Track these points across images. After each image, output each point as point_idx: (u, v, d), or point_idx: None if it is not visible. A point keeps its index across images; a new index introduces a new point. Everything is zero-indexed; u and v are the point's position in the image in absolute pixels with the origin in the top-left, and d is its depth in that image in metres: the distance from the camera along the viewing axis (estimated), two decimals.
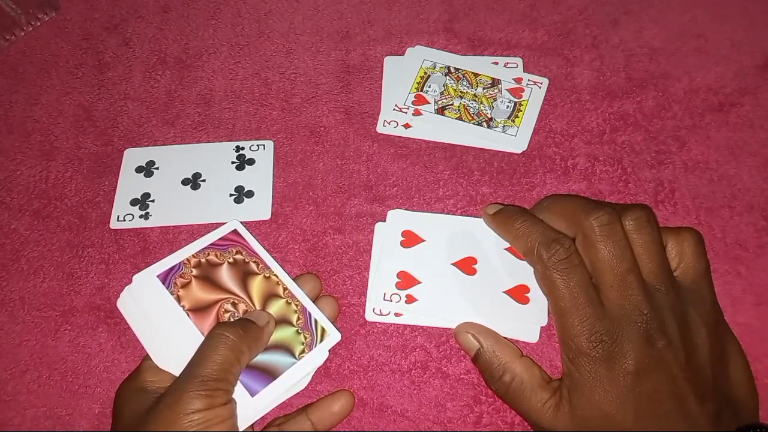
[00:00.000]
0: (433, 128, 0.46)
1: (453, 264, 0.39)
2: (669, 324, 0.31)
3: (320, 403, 0.36)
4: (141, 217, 0.43)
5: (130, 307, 0.35)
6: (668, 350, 0.30)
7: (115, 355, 0.40)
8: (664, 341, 0.30)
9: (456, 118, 0.46)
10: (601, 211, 0.32)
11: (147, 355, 0.34)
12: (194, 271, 0.36)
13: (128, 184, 0.45)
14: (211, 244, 0.37)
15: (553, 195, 0.39)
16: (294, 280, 0.37)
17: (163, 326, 0.34)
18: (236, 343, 0.31)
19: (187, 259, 0.36)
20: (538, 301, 0.37)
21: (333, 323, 0.36)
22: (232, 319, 0.34)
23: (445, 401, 0.38)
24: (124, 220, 0.43)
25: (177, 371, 0.31)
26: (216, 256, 0.37)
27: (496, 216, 0.37)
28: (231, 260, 0.37)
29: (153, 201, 0.44)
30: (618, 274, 0.31)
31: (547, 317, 0.37)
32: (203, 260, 0.37)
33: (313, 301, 0.36)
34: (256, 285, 0.36)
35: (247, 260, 0.37)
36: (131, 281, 0.36)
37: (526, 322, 0.37)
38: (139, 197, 0.44)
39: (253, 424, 0.33)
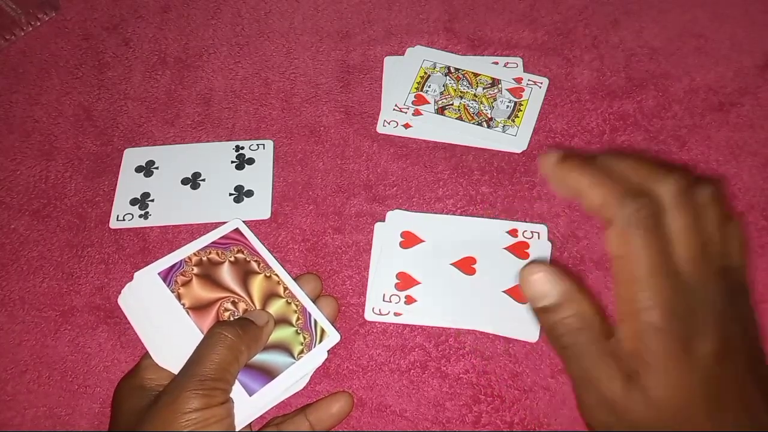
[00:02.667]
0: (433, 128, 0.46)
1: (452, 264, 0.39)
2: (743, 308, 0.28)
3: (319, 404, 0.36)
4: (141, 216, 0.43)
5: (131, 304, 0.35)
6: (741, 338, 0.27)
7: (115, 354, 0.40)
8: (739, 327, 0.27)
9: (456, 118, 0.46)
10: (679, 175, 0.28)
11: (146, 352, 0.34)
12: (195, 270, 0.36)
13: (128, 184, 0.45)
14: (213, 243, 0.37)
15: (611, 152, 0.35)
16: (295, 279, 0.37)
17: (162, 324, 0.34)
18: (235, 343, 0.31)
19: (189, 257, 0.36)
20: None
21: (332, 324, 0.35)
22: (231, 318, 0.34)
23: (443, 401, 0.38)
24: (124, 220, 0.43)
25: (176, 369, 0.31)
26: (217, 254, 0.37)
27: (566, 160, 0.30)
28: (232, 259, 0.37)
29: (153, 200, 0.44)
30: (697, 247, 0.27)
31: None
32: (204, 258, 0.37)
33: (313, 301, 0.36)
34: (257, 284, 0.36)
35: (248, 259, 0.37)
36: (132, 279, 0.36)
37: (526, 321, 0.37)
38: (138, 197, 0.44)
39: (251, 423, 0.33)
